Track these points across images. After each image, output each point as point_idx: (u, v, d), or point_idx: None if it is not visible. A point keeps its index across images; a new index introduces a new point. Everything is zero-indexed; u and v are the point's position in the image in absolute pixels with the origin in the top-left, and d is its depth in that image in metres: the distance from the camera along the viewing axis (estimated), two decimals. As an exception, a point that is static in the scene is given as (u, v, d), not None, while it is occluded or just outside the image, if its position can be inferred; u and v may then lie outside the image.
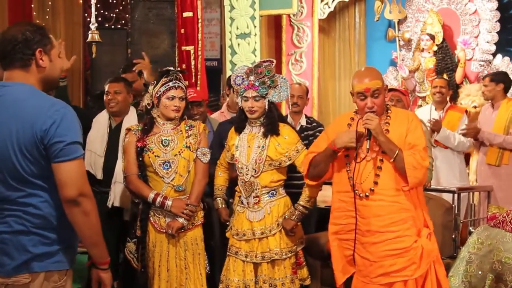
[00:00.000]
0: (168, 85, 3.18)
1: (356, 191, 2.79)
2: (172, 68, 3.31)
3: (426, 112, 5.32)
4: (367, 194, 2.76)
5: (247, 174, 3.19)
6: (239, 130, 3.29)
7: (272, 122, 3.19)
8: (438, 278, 2.78)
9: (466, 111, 5.46)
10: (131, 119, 3.90)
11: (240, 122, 3.30)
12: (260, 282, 3.16)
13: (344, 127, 2.92)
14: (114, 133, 3.87)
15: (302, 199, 3.17)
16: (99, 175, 3.87)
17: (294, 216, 3.16)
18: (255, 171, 3.17)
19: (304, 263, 3.30)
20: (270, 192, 3.20)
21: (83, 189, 1.96)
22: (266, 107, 3.18)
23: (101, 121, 3.94)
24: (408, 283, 2.71)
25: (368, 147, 2.75)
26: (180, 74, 3.29)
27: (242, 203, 3.24)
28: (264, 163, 3.16)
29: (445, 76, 6.66)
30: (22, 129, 1.92)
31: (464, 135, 4.98)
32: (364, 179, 2.79)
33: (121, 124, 3.88)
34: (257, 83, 3.14)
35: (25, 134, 1.92)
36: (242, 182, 3.22)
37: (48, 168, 1.94)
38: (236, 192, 3.35)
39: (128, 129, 3.28)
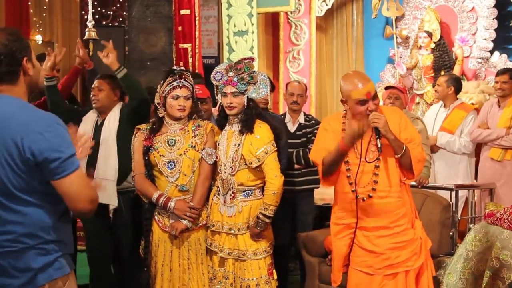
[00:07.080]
0: (172, 85, 3.15)
1: (358, 196, 2.78)
2: (176, 67, 3.27)
3: (434, 111, 5.34)
4: (370, 195, 2.77)
5: (225, 172, 3.14)
6: (221, 128, 3.26)
7: (248, 119, 3.13)
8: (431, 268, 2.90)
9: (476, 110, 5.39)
10: (111, 116, 3.80)
11: (221, 119, 3.27)
12: (230, 278, 3.12)
13: (339, 125, 2.88)
14: (98, 130, 3.79)
15: (261, 208, 3.09)
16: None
17: (256, 225, 3.08)
18: (232, 169, 3.12)
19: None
20: (246, 192, 3.14)
21: (91, 197, 1.95)
22: (245, 104, 3.13)
23: (89, 118, 3.88)
24: (409, 273, 2.80)
25: (380, 145, 2.69)
26: (187, 73, 3.24)
27: (218, 194, 3.20)
28: (240, 162, 3.10)
29: (442, 73, 6.67)
30: (12, 144, 1.85)
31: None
32: (364, 181, 2.78)
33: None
34: (236, 79, 3.11)
35: (15, 149, 1.85)
36: (220, 179, 3.17)
37: (36, 182, 1.90)
38: (215, 182, 3.27)
39: (138, 129, 3.26)
